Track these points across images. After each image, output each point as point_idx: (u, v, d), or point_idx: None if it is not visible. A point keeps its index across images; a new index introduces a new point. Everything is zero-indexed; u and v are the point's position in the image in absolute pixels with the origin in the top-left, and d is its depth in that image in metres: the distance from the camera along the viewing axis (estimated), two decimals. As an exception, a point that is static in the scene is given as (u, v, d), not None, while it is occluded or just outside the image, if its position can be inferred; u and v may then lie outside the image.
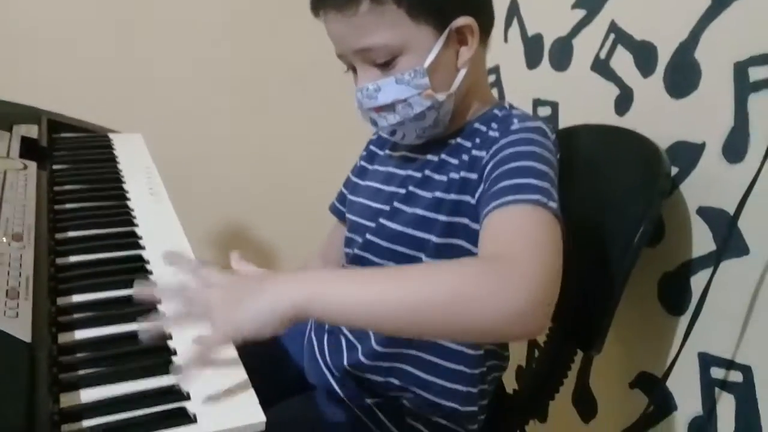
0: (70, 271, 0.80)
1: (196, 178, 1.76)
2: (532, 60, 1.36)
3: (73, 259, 0.82)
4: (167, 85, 1.73)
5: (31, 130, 1.18)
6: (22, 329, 0.59)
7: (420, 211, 0.85)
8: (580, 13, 1.21)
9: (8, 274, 0.69)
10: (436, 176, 0.86)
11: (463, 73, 0.83)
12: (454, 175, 0.83)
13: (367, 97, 0.83)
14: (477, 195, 0.80)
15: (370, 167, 1.00)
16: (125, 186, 1.06)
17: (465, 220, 0.82)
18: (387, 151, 0.98)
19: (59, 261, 0.81)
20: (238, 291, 0.65)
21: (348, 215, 0.98)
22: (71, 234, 0.89)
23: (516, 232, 0.68)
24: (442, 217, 0.83)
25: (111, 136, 1.30)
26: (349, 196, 1.01)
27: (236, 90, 1.82)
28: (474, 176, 0.81)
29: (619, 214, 0.89)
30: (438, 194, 0.84)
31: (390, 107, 0.83)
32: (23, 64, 1.58)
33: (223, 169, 1.86)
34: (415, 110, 0.82)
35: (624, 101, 1.09)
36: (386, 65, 0.80)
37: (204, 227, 1.86)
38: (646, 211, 0.85)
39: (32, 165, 1.02)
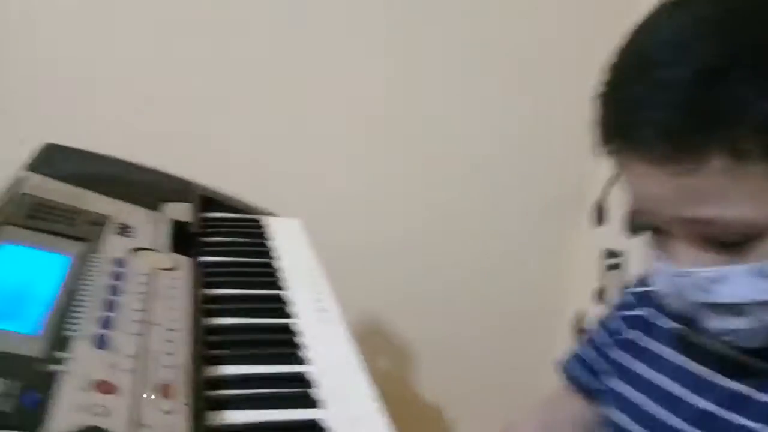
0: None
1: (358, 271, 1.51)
2: None
3: (231, 416, 0.62)
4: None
5: (182, 210, 1.03)
6: None
7: None
8: None
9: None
10: None
11: None
12: None
13: (695, 286, 0.55)
14: None
15: (644, 343, 0.71)
16: (287, 295, 0.87)
17: None
18: (675, 328, 0.67)
19: (212, 420, 0.61)
20: None
21: (613, 410, 0.70)
22: (228, 370, 0.69)
23: None
24: None
25: (266, 220, 1.12)
26: (611, 381, 0.72)
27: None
28: None
29: None
30: None
31: (735, 307, 0.54)
32: (173, 133, 1.45)
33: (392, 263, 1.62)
34: None
35: None
36: (734, 245, 0.53)
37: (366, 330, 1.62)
38: None
39: (182, 263, 0.85)
